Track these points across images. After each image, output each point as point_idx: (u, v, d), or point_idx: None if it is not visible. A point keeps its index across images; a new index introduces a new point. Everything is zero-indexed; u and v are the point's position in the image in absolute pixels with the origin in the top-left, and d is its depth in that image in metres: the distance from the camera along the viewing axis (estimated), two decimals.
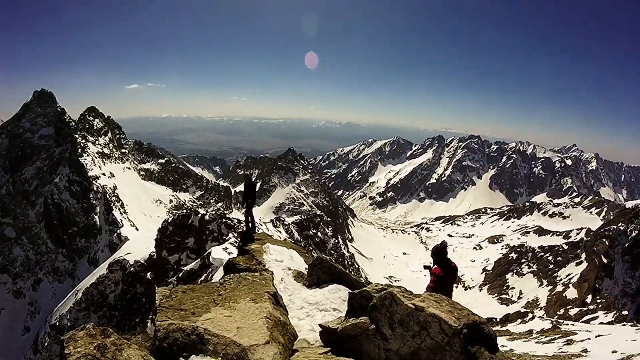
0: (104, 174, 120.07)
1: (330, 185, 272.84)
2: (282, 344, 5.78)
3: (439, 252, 8.10)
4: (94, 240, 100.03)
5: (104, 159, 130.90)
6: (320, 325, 7.27)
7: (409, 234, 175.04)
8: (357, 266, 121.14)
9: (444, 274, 7.92)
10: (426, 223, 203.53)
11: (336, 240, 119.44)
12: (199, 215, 70.82)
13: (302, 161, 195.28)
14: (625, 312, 76.34)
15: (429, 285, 8.00)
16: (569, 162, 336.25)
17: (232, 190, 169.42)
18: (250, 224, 17.12)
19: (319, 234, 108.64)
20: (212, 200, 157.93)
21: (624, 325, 53.97)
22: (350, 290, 8.30)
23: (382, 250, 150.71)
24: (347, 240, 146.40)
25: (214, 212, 77.46)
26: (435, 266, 8.10)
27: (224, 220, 72.22)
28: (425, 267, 9.01)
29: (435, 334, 5.26)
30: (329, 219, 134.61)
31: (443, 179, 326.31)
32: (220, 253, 51.76)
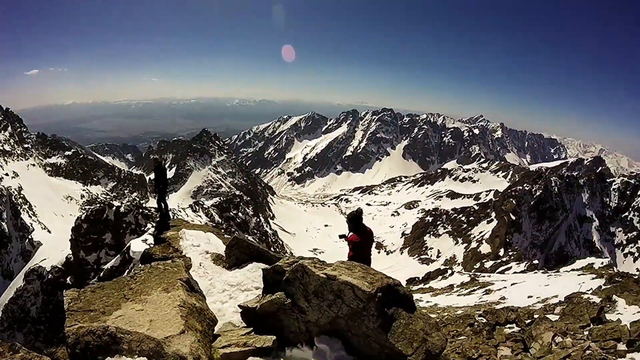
0: (6, 175, 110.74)
1: (247, 164, 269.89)
2: (199, 331, 5.56)
3: (355, 219, 8.11)
4: (4, 250, 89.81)
5: (5, 157, 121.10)
6: (239, 306, 7.14)
7: (328, 206, 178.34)
8: (281, 242, 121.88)
9: (361, 240, 7.97)
10: (345, 194, 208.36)
11: (258, 219, 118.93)
12: (114, 208, 67.87)
13: (217, 142, 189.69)
14: (535, 262, 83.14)
15: (349, 254, 8.04)
16: (476, 131, 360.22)
17: (147, 178, 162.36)
18: (164, 211, 16.40)
19: (240, 214, 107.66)
20: (126, 191, 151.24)
21: (536, 272, 58.40)
22: None
23: (304, 225, 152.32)
24: (268, 218, 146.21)
25: (129, 204, 74.57)
26: (352, 233, 8.13)
27: (140, 210, 69.73)
28: (341, 237, 9.03)
29: (350, 300, 5.28)
30: (248, 198, 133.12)
31: (358, 151, 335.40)
32: (140, 245, 49.61)
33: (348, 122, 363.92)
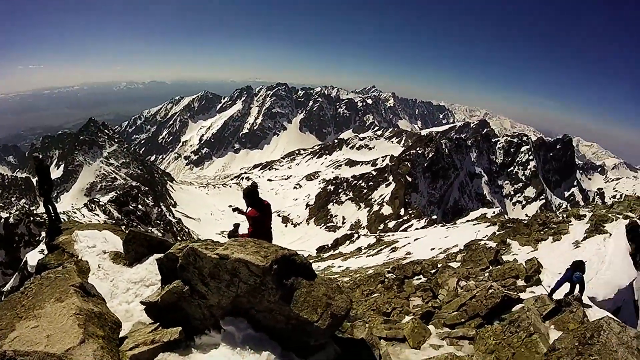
0: None
1: (141, 151, 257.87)
2: (102, 337, 5.05)
3: (250, 194, 7.85)
4: None
5: None
6: (141, 302, 6.72)
7: (230, 186, 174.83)
8: (187, 230, 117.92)
9: (259, 214, 7.77)
10: (245, 172, 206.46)
11: (160, 209, 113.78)
12: (2, 220, 61.51)
13: (106, 131, 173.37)
14: (434, 217, 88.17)
15: (249, 230, 7.82)
16: (369, 101, 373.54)
17: (34, 181, 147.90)
18: (53, 214, 14.89)
19: (140, 206, 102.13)
20: (13, 199, 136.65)
21: (435, 227, 61.95)
22: None
23: (208, 208, 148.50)
24: (170, 207, 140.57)
25: (18, 213, 68.06)
26: (250, 209, 7.89)
27: (32, 218, 64.03)
28: (235, 210, 8.73)
29: (246, 277, 5.10)
30: (147, 188, 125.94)
31: (255, 128, 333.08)
32: (37, 258, 45.61)
33: (243, 99, 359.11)
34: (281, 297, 5.08)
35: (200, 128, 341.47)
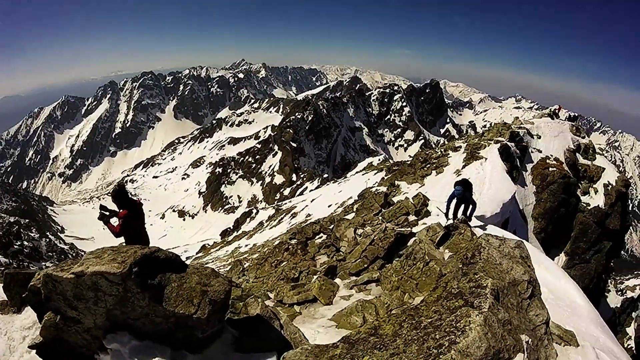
0: None
1: (10, 180, 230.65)
2: None
3: (119, 195, 7.49)
4: None
5: None
6: (29, 347, 5.96)
7: None
8: (83, 253, 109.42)
9: (130, 212, 7.31)
10: (128, 175, 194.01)
11: (47, 239, 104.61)
12: None
13: None
14: (325, 175, 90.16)
15: (117, 229, 7.37)
16: (241, 75, 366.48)
17: None
18: None
19: (25, 242, 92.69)
20: None
21: (328, 184, 63.29)
22: None
23: (98, 224, 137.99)
24: (58, 233, 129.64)
25: None
26: (121, 210, 7.44)
27: None
28: (102, 210, 8.13)
29: (109, 289, 4.60)
30: (27, 220, 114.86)
31: (128, 125, 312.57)
32: None
33: (108, 96, 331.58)
34: (151, 298, 4.66)
35: (69, 138, 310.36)
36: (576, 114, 48.15)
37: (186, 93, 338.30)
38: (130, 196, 7.81)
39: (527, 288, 5.70)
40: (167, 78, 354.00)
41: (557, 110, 42.09)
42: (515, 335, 4.58)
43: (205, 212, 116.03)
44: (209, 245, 57.09)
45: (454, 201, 12.83)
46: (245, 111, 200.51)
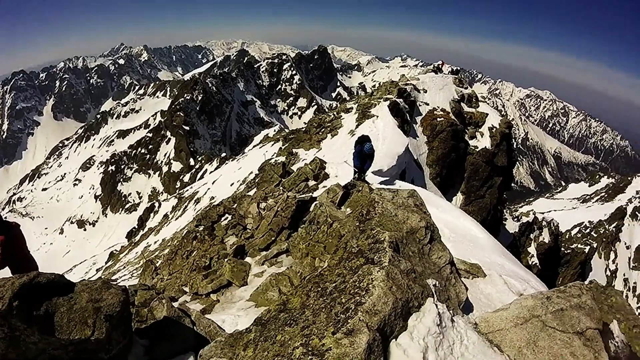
0: None
1: None
2: None
3: None
4: None
5: None
6: None
7: (6, 217, 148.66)
8: None
9: (6, 238, 6.55)
10: (15, 194, 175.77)
11: None
12: None
13: None
14: (223, 155, 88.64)
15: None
16: (122, 61, 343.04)
17: None
18: None
19: None
20: None
21: (227, 163, 62.25)
22: None
23: None
24: None
25: None
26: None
27: None
28: None
29: None
30: None
31: (4, 135, 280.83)
32: None
33: None
34: (41, 331, 3.99)
35: None
36: (458, 68, 51.10)
37: (64, 89, 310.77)
38: (2, 219, 6.96)
39: (426, 234, 5.75)
40: (41, 75, 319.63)
41: (440, 66, 45.25)
42: (422, 282, 4.57)
43: (106, 216, 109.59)
44: (116, 251, 54.65)
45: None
46: (131, 100, 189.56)
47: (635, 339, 4.55)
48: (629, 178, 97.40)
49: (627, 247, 75.05)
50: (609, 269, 70.98)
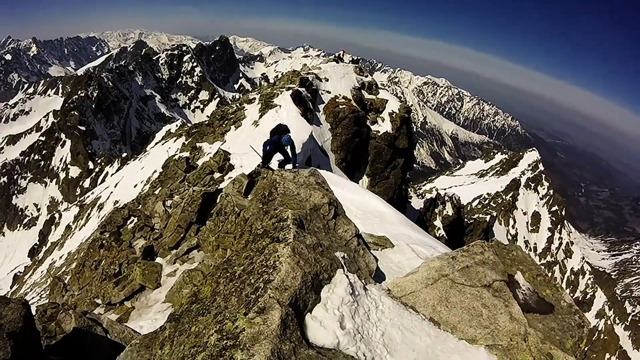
0: None
1: None
2: None
3: None
4: None
5: None
6: None
7: None
8: None
9: None
10: None
11: None
12: None
13: None
14: (124, 155, 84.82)
15: None
16: (8, 57, 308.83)
17: None
18: None
19: None
20: None
21: (129, 164, 59.58)
22: None
23: None
24: None
25: None
26: None
27: None
28: None
29: None
30: None
31: None
32: None
33: None
34: None
35: None
36: (358, 58, 52.88)
37: None
38: None
39: (330, 209, 5.93)
40: None
41: (341, 55, 46.67)
42: (330, 255, 4.69)
43: (4, 235, 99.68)
44: (20, 272, 50.92)
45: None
46: (20, 100, 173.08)
47: (540, 286, 4.99)
48: (521, 153, 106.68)
49: (524, 214, 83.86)
50: (510, 234, 78.21)
